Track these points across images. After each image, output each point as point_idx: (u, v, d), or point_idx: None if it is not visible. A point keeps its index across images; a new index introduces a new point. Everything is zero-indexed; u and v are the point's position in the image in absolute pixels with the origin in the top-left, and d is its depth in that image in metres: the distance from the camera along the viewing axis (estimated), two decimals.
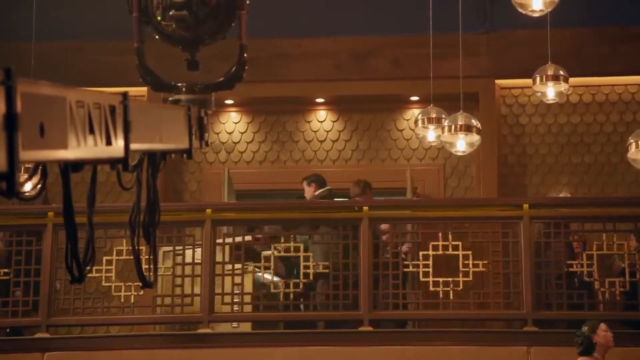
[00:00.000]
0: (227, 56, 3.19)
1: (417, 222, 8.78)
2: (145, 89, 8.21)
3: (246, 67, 3.19)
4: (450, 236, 8.43)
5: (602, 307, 8.51)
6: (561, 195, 10.53)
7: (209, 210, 8.64)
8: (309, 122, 11.31)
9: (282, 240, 8.64)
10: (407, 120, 11.10)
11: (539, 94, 8.80)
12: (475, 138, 8.75)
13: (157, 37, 3.12)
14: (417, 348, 8.07)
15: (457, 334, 8.35)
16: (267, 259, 8.48)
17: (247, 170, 11.08)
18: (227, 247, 8.68)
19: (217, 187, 10.75)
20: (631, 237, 8.58)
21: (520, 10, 7.54)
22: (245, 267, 8.57)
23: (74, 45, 10.81)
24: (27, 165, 1.79)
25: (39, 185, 2.07)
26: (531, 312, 8.15)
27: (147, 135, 2.41)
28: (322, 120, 11.30)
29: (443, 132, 8.77)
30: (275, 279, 8.57)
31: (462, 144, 8.81)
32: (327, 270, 8.50)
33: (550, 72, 8.52)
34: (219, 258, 8.50)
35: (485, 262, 8.39)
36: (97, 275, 8.37)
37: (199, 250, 8.53)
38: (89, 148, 1.88)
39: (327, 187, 9.64)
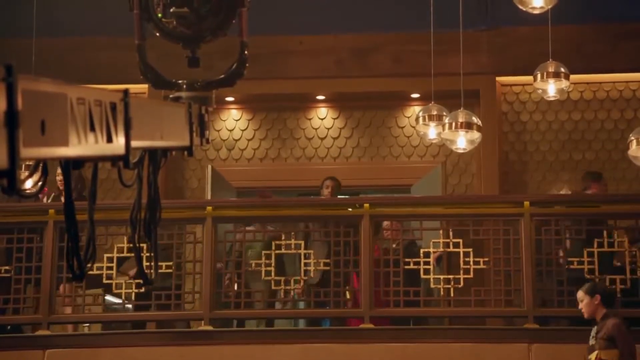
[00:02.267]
0: (228, 53, 3.19)
1: (418, 220, 8.77)
2: (146, 86, 8.21)
3: (247, 64, 3.19)
4: (451, 233, 8.45)
5: None
6: (562, 192, 10.53)
7: (209, 208, 8.65)
8: (309, 119, 11.31)
9: (283, 237, 8.65)
10: (408, 117, 11.10)
11: (539, 91, 8.79)
12: (476, 135, 8.74)
13: (157, 34, 3.11)
14: (418, 345, 8.07)
15: (458, 331, 8.35)
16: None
17: (248, 168, 11.08)
18: None
19: (218, 185, 10.82)
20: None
21: (520, 7, 7.54)
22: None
23: (75, 43, 10.81)
24: (27, 163, 1.79)
25: (40, 183, 2.07)
26: (532, 309, 8.15)
27: (148, 132, 2.40)
28: (323, 117, 11.30)
29: (444, 130, 8.76)
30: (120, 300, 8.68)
31: (462, 141, 8.80)
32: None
33: (551, 69, 8.51)
34: None
35: (486, 259, 8.40)
36: (98, 272, 8.38)
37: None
38: (90, 145, 1.88)
39: None
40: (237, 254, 8.72)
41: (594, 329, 7.01)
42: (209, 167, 10.94)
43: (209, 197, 10.65)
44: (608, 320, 6.95)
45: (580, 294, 7.15)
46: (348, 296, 8.65)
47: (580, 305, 7.11)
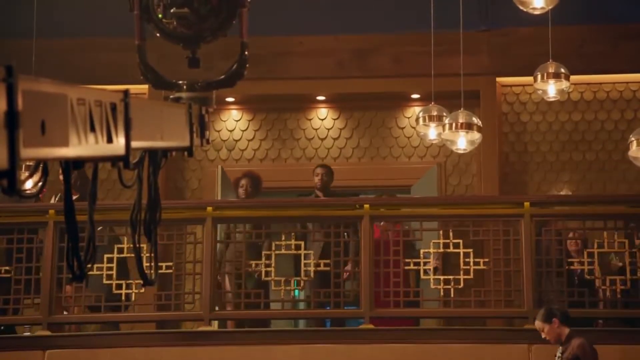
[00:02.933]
0: (228, 54, 3.19)
1: (418, 220, 8.77)
2: (146, 86, 8.22)
3: (247, 65, 3.19)
4: (451, 234, 8.45)
5: (603, 304, 8.50)
6: (562, 193, 10.52)
7: (210, 208, 8.64)
8: (310, 119, 11.31)
9: (283, 237, 8.65)
10: (408, 118, 11.10)
11: (540, 91, 8.79)
12: (476, 136, 8.74)
13: (158, 34, 3.11)
14: (418, 346, 8.07)
15: (458, 332, 8.36)
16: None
17: (249, 168, 11.07)
18: None
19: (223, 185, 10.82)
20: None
21: (521, 7, 7.54)
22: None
23: (75, 43, 10.81)
24: (28, 163, 1.79)
25: (40, 183, 2.07)
26: (532, 309, 8.15)
27: (148, 132, 2.40)
28: (323, 117, 11.29)
29: (444, 130, 8.76)
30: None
31: (463, 142, 8.80)
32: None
33: (551, 70, 8.51)
34: None
35: (486, 260, 8.40)
36: (98, 273, 8.37)
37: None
38: (90, 146, 1.88)
39: None
40: (238, 254, 8.73)
41: (560, 349, 7.06)
42: (219, 167, 10.87)
43: (219, 197, 10.60)
44: (573, 340, 7.01)
45: (538, 324, 7.16)
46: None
47: (543, 335, 7.14)
